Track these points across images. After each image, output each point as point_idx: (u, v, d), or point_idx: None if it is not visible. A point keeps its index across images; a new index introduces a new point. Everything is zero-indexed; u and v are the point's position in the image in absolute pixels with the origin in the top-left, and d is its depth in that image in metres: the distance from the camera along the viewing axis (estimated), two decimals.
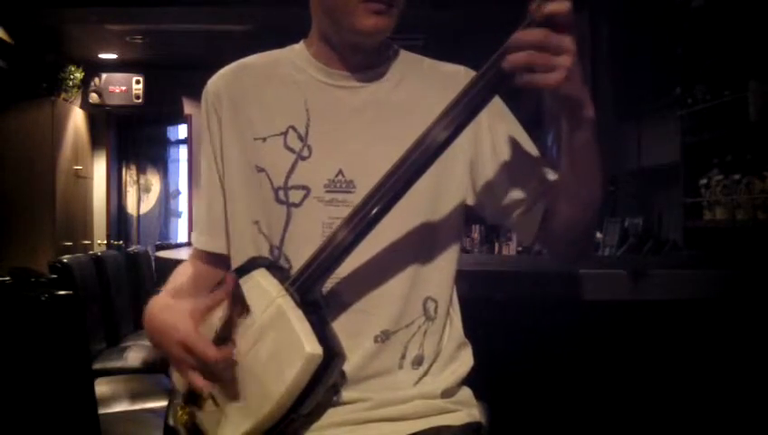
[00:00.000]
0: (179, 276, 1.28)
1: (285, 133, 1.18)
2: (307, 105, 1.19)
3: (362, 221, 1.04)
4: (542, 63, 0.96)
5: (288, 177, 1.16)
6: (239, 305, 1.08)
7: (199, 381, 1.06)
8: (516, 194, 1.19)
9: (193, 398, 1.13)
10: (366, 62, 1.20)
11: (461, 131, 1.04)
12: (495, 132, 1.21)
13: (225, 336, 1.08)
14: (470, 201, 1.22)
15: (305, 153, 1.17)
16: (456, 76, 1.21)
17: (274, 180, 1.17)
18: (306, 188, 1.16)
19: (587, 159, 1.09)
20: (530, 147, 1.23)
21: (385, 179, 1.04)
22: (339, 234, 1.05)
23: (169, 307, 1.14)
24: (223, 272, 1.26)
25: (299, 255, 1.13)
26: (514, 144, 1.21)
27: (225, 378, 1.07)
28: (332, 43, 1.19)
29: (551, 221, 1.18)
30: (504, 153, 1.20)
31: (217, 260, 1.27)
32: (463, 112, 1.02)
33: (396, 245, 1.15)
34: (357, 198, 1.09)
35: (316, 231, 1.14)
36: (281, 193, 1.17)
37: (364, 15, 1.12)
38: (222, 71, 1.26)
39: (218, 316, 1.13)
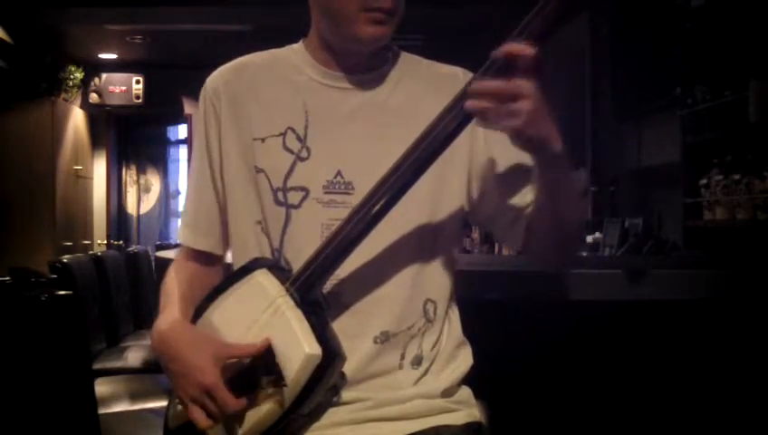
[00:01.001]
0: (176, 284, 1.24)
1: (284, 134, 1.18)
2: (306, 106, 1.19)
3: (365, 218, 1.04)
4: (498, 111, 0.95)
5: (287, 178, 1.16)
6: (265, 368, 1.05)
7: (204, 421, 1.06)
8: (505, 204, 1.18)
9: (186, 432, 1.12)
10: (365, 64, 1.20)
11: (463, 128, 1.03)
12: (491, 141, 1.19)
13: (240, 380, 1.07)
14: (466, 207, 1.22)
15: (304, 154, 1.17)
16: (454, 77, 1.21)
17: (273, 181, 1.17)
18: (305, 190, 1.16)
19: (559, 189, 1.08)
20: (523, 157, 1.22)
21: (387, 177, 1.04)
22: (341, 231, 1.05)
23: (191, 342, 1.10)
24: (214, 270, 1.25)
25: (298, 256, 1.13)
26: (508, 154, 1.18)
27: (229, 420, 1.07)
28: (331, 46, 1.19)
29: (533, 234, 1.18)
30: (498, 162, 1.19)
31: (207, 258, 1.26)
32: (463, 110, 1.02)
33: (396, 247, 1.15)
34: (356, 199, 1.09)
35: (315, 233, 1.14)
36: (279, 194, 1.17)
37: (364, 24, 1.12)
38: (221, 68, 1.26)
39: (219, 318, 1.13)
